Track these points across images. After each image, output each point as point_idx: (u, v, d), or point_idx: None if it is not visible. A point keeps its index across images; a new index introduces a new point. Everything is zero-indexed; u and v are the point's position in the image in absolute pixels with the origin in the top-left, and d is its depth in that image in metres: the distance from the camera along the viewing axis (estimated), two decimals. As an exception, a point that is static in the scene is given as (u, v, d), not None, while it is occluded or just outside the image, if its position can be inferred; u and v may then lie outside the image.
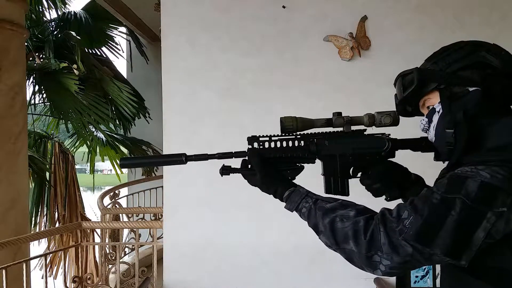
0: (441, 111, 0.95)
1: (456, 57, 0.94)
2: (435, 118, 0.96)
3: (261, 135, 1.03)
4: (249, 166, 1.03)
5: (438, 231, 0.79)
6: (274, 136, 1.03)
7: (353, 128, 1.05)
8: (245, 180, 1.05)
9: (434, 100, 0.97)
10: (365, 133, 1.05)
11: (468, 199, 0.79)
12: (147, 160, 1.08)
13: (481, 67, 0.92)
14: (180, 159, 1.01)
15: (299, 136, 1.03)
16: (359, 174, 1.07)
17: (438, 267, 1.24)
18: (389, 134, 1.06)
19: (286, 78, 2.76)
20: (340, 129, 1.04)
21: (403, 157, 1.10)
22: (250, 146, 1.03)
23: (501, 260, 0.82)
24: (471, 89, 0.92)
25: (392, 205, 0.90)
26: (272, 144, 1.03)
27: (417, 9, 2.70)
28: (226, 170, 1.02)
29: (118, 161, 5.21)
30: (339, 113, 1.04)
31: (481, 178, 0.80)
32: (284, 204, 0.99)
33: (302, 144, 1.02)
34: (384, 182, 1.06)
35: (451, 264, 0.83)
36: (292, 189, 0.99)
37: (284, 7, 2.74)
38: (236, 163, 1.04)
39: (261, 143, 1.02)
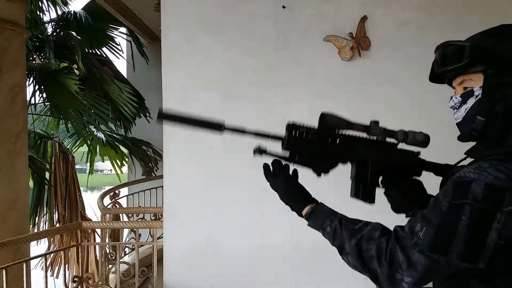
0: (480, 96, 0.90)
1: None
2: (470, 101, 0.91)
3: (302, 125, 1.00)
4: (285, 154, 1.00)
5: (452, 238, 0.79)
6: (312, 129, 1.00)
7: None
8: (266, 179, 1.02)
9: (475, 83, 0.91)
10: (397, 147, 1.03)
11: (476, 203, 0.79)
12: (188, 118, 1.03)
13: None
14: (219, 128, 1.01)
15: (336, 134, 1.01)
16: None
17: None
18: (419, 152, 1.04)
19: (286, 78, 2.76)
20: (374, 138, 1.02)
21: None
22: (287, 134, 0.99)
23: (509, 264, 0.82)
24: None
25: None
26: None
27: (417, 9, 2.70)
28: (260, 151, 0.99)
29: (117, 162, 5.23)
30: (376, 122, 1.01)
31: (485, 180, 0.79)
32: (300, 217, 0.99)
33: (338, 142, 1.00)
34: (408, 198, 1.05)
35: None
36: (314, 206, 0.98)
37: (284, 7, 2.74)
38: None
39: (298, 132, 0.99)
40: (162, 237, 2.87)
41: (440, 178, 1.02)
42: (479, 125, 0.90)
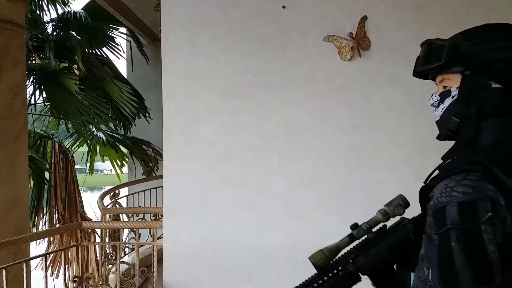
0: (456, 97, 0.90)
1: (500, 46, 0.86)
2: (447, 101, 0.92)
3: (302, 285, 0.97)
4: None
5: (454, 266, 0.77)
6: (312, 277, 0.98)
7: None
8: None
9: (453, 83, 0.91)
10: (387, 228, 1.00)
11: (456, 225, 0.78)
12: None
13: None
14: None
15: (333, 264, 0.97)
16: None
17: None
18: (408, 219, 1.01)
19: (286, 78, 2.76)
20: (363, 238, 0.98)
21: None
22: None
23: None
24: (494, 85, 0.86)
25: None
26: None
27: (417, 9, 2.69)
28: None
29: (117, 162, 5.24)
30: (356, 225, 0.98)
31: (456, 199, 0.79)
32: None
33: (341, 271, 0.96)
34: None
35: None
36: None
37: (284, 7, 2.74)
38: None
39: None
40: (162, 237, 2.87)
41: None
42: (454, 126, 0.90)
